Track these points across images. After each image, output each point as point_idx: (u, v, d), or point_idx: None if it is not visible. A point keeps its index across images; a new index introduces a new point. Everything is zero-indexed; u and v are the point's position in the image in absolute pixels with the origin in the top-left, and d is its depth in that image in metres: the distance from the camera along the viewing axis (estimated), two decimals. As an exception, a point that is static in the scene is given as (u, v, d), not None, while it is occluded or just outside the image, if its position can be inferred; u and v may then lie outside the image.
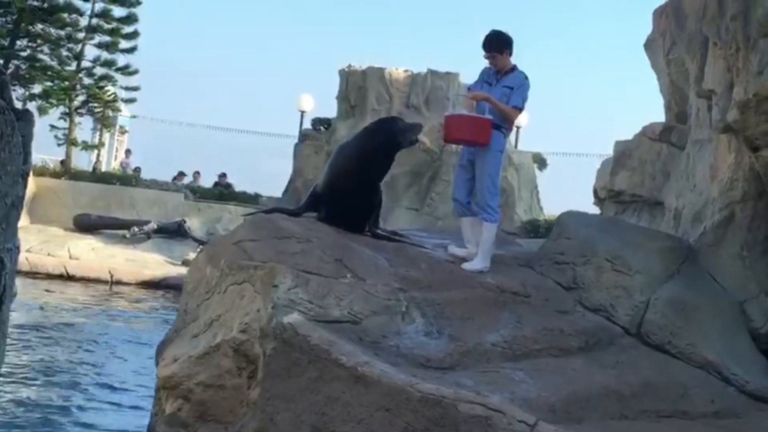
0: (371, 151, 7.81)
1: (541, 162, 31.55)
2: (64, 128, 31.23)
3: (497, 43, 7.97)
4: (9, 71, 29.09)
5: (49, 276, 22.50)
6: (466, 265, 7.69)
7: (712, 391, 7.02)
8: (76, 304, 18.67)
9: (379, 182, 8.04)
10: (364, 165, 7.77)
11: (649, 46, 12.04)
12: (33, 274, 21.83)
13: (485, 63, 8.07)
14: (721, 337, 7.48)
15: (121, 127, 35.94)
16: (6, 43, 30.34)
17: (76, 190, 28.14)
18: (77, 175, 29.76)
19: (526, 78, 7.94)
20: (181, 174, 32.51)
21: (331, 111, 30.41)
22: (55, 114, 31.33)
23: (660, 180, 11.17)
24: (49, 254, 23.51)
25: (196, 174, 33.13)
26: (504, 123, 7.92)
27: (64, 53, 31.34)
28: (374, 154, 7.82)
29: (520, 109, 7.98)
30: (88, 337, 14.72)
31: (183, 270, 19.12)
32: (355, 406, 5.82)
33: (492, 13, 65.95)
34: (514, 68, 7.98)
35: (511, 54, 7.99)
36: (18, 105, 4.13)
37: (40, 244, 23.77)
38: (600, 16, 73.73)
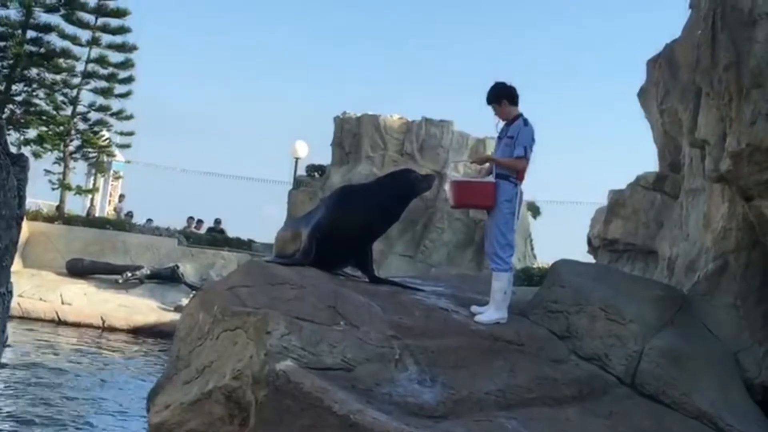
0: (387, 200, 8.18)
1: (535, 210, 31.62)
2: (59, 173, 31.27)
3: (493, 95, 8.07)
4: (4, 116, 29.20)
5: (41, 321, 22.40)
6: (479, 318, 7.65)
7: (706, 442, 6.98)
8: (66, 350, 18.55)
9: (383, 232, 8.35)
10: (376, 215, 8.14)
11: (642, 95, 12.12)
12: (25, 319, 21.73)
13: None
14: (716, 388, 7.44)
15: (115, 172, 36.04)
16: (2, 88, 30.46)
17: (69, 234, 28.09)
18: (71, 220, 29.73)
19: (526, 124, 7.94)
20: (200, 222, 32.79)
21: (325, 158, 30.57)
22: (49, 158, 31.45)
23: (654, 229, 11.19)
24: (41, 299, 23.41)
25: (199, 222, 33.15)
26: (511, 173, 7.93)
27: (60, 98, 31.49)
28: (390, 204, 8.21)
29: (524, 157, 7.89)
30: (77, 384, 14.59)
31: (176, 316, 19.04)
32: (348, 455, 5.78)
33: (487, 63, 66.54)
34: (517, 117, 8.01)
35: (513, 102, 8.04)
36: (13, 149, 4.14)
37: (33, 288, 23.69)
38: (595, 66, 74.26)
